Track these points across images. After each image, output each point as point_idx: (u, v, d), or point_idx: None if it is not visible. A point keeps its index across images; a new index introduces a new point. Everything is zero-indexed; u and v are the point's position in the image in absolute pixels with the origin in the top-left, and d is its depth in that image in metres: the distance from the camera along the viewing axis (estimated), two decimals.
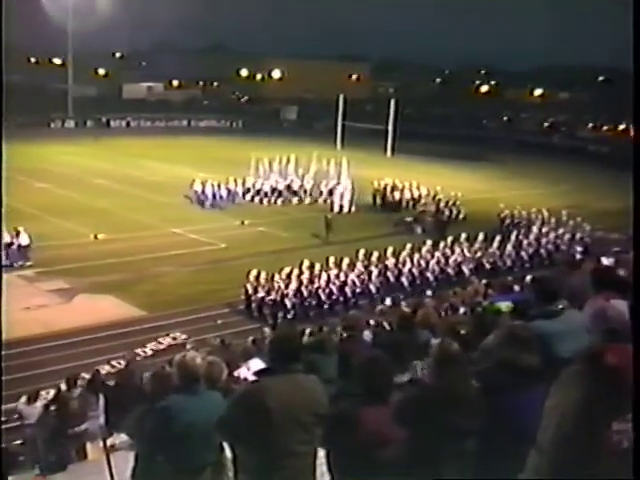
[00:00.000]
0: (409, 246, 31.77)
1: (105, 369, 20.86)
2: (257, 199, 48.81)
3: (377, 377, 5.97)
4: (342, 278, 28.78)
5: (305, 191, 49.79)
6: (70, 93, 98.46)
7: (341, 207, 46.92)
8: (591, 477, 3.94)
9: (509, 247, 34.58)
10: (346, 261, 29.46)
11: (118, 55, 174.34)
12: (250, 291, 27.73)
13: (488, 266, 33.06)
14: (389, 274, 30.39)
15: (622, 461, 3.84)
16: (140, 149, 73.69)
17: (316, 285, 28.24)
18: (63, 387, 15.65)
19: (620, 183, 61.98)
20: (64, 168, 58.41)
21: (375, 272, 29.77)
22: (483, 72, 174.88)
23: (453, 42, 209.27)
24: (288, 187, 49.57)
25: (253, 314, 27.65)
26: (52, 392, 15.42)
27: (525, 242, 35.76)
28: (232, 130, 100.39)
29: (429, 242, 32.90)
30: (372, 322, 15.58)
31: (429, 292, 26.81)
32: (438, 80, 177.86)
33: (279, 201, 48.82)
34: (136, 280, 30.02)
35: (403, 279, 30.66)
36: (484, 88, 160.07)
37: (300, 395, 5.80)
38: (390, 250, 30.94)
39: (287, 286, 27.69)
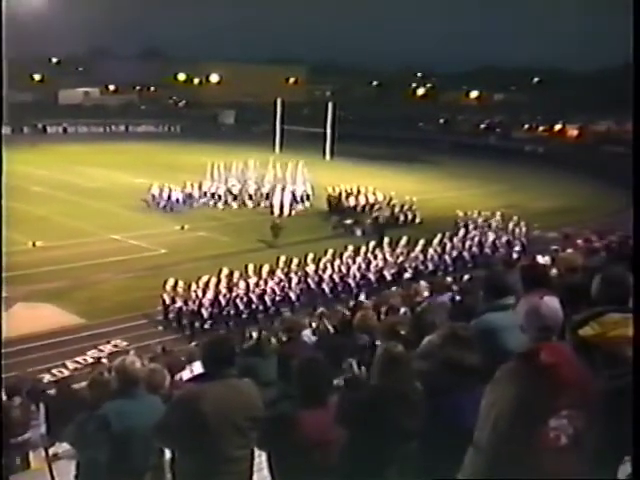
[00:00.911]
0: (331, 252, 31.53)
1: (46, 378, 20.69)
2: (212, 203, 48.98)
3: (315, 378, 6.01)
4: (262, 286, 28.30)
5: (260, 195, 49.83)
6: (5, 99, 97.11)
7: (281, 210, 46.99)
8: (528, 476, 3.96)
9: (431, 251, 34.27)
10: (266, 268, 28.93)
11: (54, 60, 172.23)
12: (167, 301, 27.30)
13: (410, 271, 32.48)
14: (310, 281, 29.93)
15: (560, 458, 3.95)
16: (78, 155, 72.94)
17: (235, 294, 27.71)
18: (3, 397, 15.54)
19: (556, 183, 62.76)
20: None
21: (295, 279, 29.32)
22: (419, 75, 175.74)
23: (389, 45, 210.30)
24: (240, 191, 49.73)
25: (172, 324, 27.20)
26: None
27: (449, 245, 35.41)
28: (170, 135, 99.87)
29: (350, 247, 32.51)
30: (312, 325, 15.67)
31: (363, 297, 26.15)
32: (375, 83, 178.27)
33: (234, 204, 48.95)
34: (75, 287, 29.79)
35: (324, 286, 30.23)
36: (420, 91, 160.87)
37: (235, 399, 5.86)
38: (311, 256, 30.56)
39: (204, 295, 27.22)
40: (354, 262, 31.50)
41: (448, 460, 5.44)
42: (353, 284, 30.92)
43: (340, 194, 48.43)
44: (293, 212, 47.16)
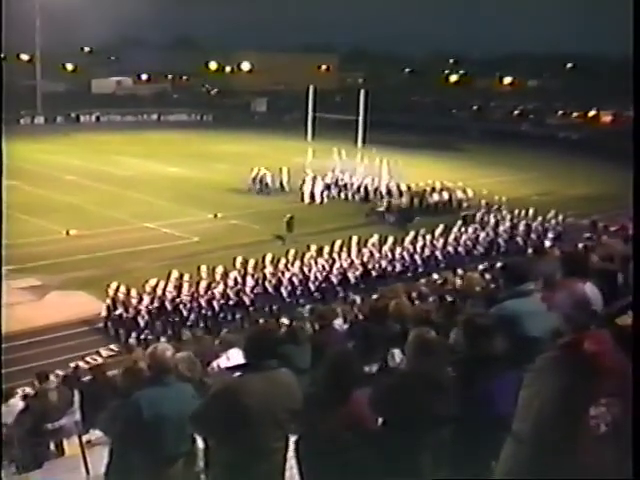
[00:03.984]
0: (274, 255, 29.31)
1: (80, 365, 20.82)
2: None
3: (347, 367, 6.00)
4: (214, 290, 26.37)
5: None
6: (39, 89, 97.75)
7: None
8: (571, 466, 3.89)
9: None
10: (220, 270, 26.85)
11: (87, 50, 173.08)
12: (111, 308, 25.37)
13: (375, 273, 30.46)
14: (267, 284, 27.71)
15: (600, 445, 3.91)
16: (110, 144, 73.20)
17: (181, 299, 25.84)
18: (36, 384, 15.68)
19: (590, 169, 62.27)
20: (34, 165, 57.95)
21: (251, 282, 27.26)
22: (452, 61, 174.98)
23: (421, 31, 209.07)
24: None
25: (109, 332, 25.41)
26: (26, 390, 15.42)
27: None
28: (203, 124, 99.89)
29: (314, 247, 30.02)
30: (343, 313, 15.64)
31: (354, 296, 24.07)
32: (407, 70, 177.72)
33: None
34: (108, 276, 29.87)
35: (282, 289, 28.10)
36: (453, 77, 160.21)
37: (276, 392, 5.86)
38: (269, 257, 28.46)
39: (140, 302, 25.28)
40: (316, 264, 29.52)
41: (479, 446, 5.43)
42: (313, 288, 29.12)
43: (424, 190, 46.55)
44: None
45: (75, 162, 60.06)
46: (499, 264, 22.18)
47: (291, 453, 6.12)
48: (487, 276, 18.36)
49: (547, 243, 34.32)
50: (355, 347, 8.46)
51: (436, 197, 45.21)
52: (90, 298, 28.19)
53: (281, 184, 49.29)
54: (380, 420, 5.82)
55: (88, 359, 22.83)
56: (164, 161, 60.88)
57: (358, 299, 20.06)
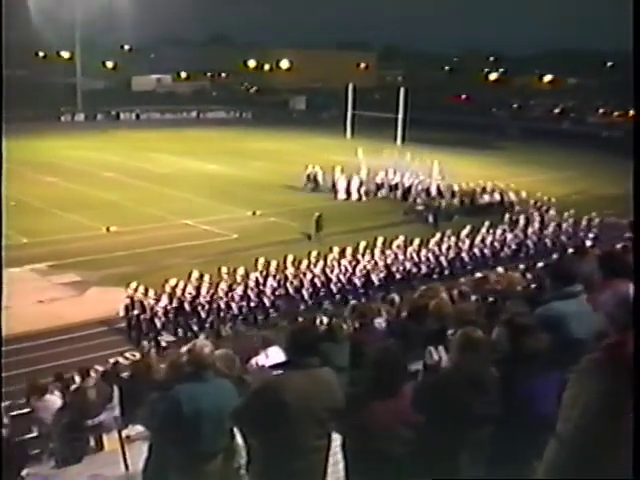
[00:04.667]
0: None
1: (119, 361, 20.93)
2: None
3: (390, 366, 5.97)
4: (234, 291, 25.69)
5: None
6: (79, 86, 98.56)
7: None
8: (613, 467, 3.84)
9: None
10: (241, 272, 26.19)
11: (127, 48, 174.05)
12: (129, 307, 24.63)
13: (398, 276, 29.54)
14: (288, 286, 27.08)
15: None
16: (149, 142, 73.74)
17: (200, 301, 25.23)
18: (77, 379, 15.75)
19: (629, 169, 62.28)
20: (73, 162, 58.46)
21: (273, 284, 26.62)
22: (491, 59, 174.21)
23: (459, 29, 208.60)
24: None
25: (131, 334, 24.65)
26: (67, 384, 15.49)
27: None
28: (241, 121, 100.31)
29: (336, 249, 29.13)
30: (383, 312, 15.56)
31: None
32: (446, 68, 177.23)
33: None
34: (147, 272, 29.99)
35: (304, 291, 27.45)
36: (493, 76, 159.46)
37: (317, 391, 5.84)
38: (290, 258, 27.88)
39: (157, 303, 24.78)
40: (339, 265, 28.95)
41: (522, 446, 5.38)
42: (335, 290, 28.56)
43: (474, 191, 46.13)
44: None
45: (114, 159, 60.50)
46: (541, 264, 22.07)
47: (335, 449, 6.10)
48: (528, 276, 18.20)
49: (588, 243, 34.00)
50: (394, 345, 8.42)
51: (487, 198, 44.44)
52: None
53: (333, 183, 49.01)
54: (423, 418, 5.77)
55: (127, 355, 22.99)
56: (203, 158, 61.14)
57: (397, 298, 19.97)
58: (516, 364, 5.87)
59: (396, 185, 48.27)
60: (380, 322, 11.48)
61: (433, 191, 46.37)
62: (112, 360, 18.72)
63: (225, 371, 7.63)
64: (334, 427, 6.04)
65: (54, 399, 14.20)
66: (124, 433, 11.15)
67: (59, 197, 44.35)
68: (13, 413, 14.68)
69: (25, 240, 34.68)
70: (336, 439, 6.16)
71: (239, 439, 6.91)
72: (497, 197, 44.48)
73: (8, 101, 42.48)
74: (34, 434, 13.48)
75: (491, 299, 11.17)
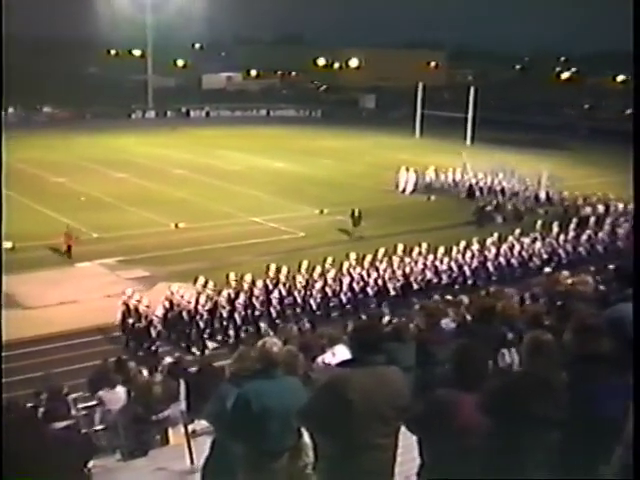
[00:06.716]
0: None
1: (186, 356, 21.06)
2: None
3: (473, 364, 5.98)
4: (243, 299, 24.75)
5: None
6: (150, 84, 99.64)
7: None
8: None
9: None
10: (248, 277, 25.46)
11: (197, 46, 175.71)
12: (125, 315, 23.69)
13: (416, 286, 27.97)
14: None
15: None
16: (219, 139, 74.24)
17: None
18: (145, 373, 15.90)
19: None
20: (144, 158, 59.12)
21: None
22: (563, 59, 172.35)
23: (530, 28, 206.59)
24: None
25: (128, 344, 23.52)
26: (134, 377, 15.62)
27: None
28: (311, 119, 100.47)
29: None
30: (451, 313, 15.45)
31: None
32: (517, 67, 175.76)
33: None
34: (215, 268, 30.11)
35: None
36: (565, 75, 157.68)
37: (383, 389, 5.79)
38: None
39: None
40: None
41: (587, 450, 5.28)
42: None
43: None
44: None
45: (184, 156, 61.04)
46: (611, 266, 21.74)
47: (400, 449, 6.05)
48: (598, 278, 17.95)
49: None
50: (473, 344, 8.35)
51: (588, 210, 41.55)
52: None
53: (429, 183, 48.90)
54: (492, 420, 5.70)
55: (194, 350, 23.16)
56: (271, 156, 61.33)
57: (466, 299, 19.83)
58: (588, 367, 5.77)
59: (502, 190, 47.87)
60: (447, 322, 11.40)
61: (542, 198, 46.27)
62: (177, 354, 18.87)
63: (291, 369, 7.62)
64: (407, 426, 5.99)
65: (123, 392, 14.32)
66: (190, 428, 11.21)
67: (129, 193, 44.83)
68: (81, 405, 14.83)
69: (96, 235, 35.13)
70: (402, 438, 6.10)
71: (306, 438, 6.88)
72: (601, 208, 41.71)
73: (82, 98, 43.09)
74: (101, 426, 13.58)
75: (560, 302, 11.03)
